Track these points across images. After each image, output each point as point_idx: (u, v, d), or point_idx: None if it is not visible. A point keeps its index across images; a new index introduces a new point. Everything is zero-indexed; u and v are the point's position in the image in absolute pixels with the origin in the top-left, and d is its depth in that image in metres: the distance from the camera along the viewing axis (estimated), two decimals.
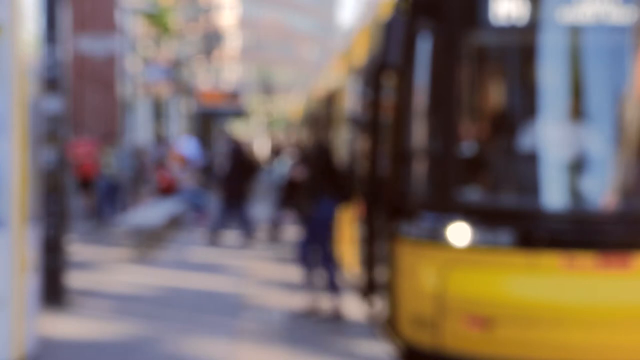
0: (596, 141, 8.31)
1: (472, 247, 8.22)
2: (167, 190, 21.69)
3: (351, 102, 12.73)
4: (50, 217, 10.63)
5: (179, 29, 42.66)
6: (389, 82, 9.23)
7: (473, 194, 8.39)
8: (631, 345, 8.06)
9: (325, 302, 10.35)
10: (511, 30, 8.34)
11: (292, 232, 17.63)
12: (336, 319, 10.17)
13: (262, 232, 17.90)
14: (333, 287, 10.26)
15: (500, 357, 8.13)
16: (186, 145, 24.90)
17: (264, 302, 11.12)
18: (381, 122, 9.71)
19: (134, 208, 20.26)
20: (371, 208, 10.11)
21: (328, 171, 10.31)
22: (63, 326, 9.71)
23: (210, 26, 52.93)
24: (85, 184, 20.85)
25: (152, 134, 38.85)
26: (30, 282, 7.91)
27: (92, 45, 20.17)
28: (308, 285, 10.47)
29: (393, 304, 8.92)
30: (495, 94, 8.71)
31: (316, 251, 10.28)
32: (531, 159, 8.34)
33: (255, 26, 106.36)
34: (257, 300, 11.23)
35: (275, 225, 17.82)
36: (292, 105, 40.00)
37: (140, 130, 35.67)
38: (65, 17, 10.98)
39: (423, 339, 8.40)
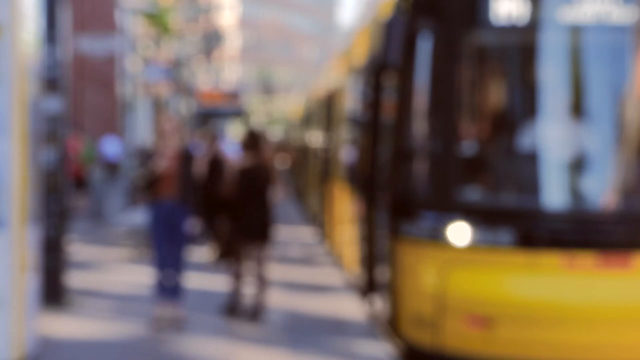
0: (596, 141, 8.31)
1: (473, 247, 8.22)
2: None
3: (351, 102, 12.73)
4: (50, 217, 10.63)
5: (179, 29, 42.65)
6: (389, 82, 9.22)
7: (473, 194, 8.38)
8: (631, 345, 8.05)
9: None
10: (511, 30, 8.33)
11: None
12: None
13: None
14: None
15: (501, 356, 8.12)
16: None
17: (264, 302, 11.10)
18: (381, 122, 9.70)
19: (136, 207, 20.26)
20: (371, 207, 10.11)
21: None
22: (63, 326, 9.71)
23: (210, 26, 52.98)
24: (78, 183, 20.63)
25: (152, 133, 38.82)
26: (30, 282, 7.91)
27: (92, 45, 20.19)
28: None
29: (393, 304, 8.91)
30: (496, 94, 8.70)
31: None
32: (531, 159, 8.34)
33: (255, 26, 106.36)
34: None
35: None
36: (292, 105, 40.00)
37: (140, 130, 35.65)
38: (65, 17, 10.98)
39: (423, 338, 8.39)
